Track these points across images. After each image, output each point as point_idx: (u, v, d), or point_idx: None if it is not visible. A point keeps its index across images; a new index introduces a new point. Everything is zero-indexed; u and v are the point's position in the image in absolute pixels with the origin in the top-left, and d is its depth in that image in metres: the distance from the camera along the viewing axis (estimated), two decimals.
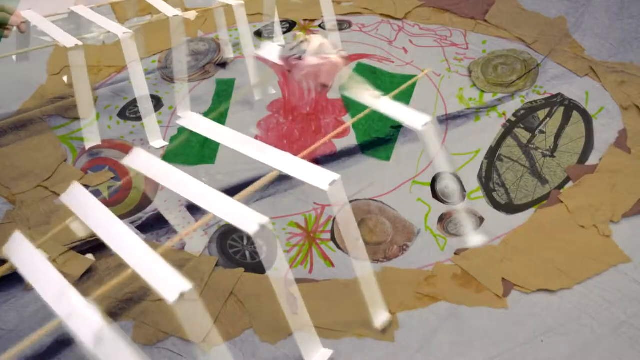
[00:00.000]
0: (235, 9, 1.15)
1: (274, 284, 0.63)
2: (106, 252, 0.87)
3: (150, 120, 1.09)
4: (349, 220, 0.66)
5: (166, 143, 1.11)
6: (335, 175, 0.62)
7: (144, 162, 0.67)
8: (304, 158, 0.66)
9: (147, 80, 1.09)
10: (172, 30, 1.09)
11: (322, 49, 0.71)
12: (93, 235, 0.57)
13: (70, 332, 0.46)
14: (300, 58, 0.70)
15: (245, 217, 0.57)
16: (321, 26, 1.45)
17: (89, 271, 0.84)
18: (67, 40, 0.98)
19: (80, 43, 0.98)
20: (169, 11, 1.09)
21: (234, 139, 0.69)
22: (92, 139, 1.09)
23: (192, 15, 1.12)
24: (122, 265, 0.51)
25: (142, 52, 1.09)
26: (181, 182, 0.64)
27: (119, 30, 1.02)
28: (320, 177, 0.63)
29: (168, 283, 0.49)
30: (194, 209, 0.95)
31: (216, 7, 1.20)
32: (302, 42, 0.71)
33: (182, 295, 0.47)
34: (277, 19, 1.34)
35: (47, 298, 0.49)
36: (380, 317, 0.75)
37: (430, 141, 0.69)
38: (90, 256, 0.86)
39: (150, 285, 0.49)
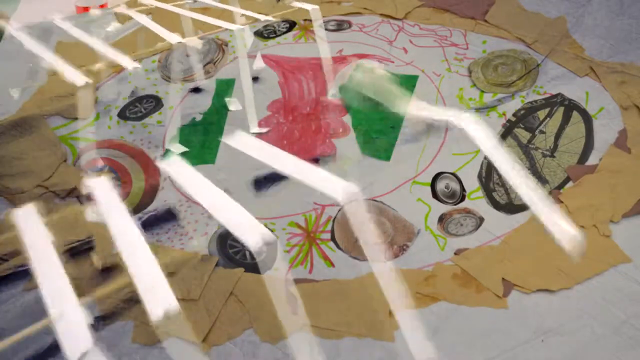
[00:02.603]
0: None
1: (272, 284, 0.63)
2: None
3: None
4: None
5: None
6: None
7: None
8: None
9: (147, 81, 1.09)
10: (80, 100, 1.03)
11: None
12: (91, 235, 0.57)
13: (57, 335, 0.46)
14: None
15: (252, 230, 0.55)
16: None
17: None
18: (77, 78, 0.94)
19: (90, 81, 0.95)
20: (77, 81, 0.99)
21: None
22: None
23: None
24: (120, 267, 0.51)
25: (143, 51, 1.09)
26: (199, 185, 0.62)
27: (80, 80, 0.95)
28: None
29: (158, 299, 0.48)
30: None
31: None
32: None
33: (166, 314, 0.47)
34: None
35: (45, 292, 0.49)
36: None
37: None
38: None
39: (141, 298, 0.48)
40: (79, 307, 0.47)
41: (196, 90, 1.19)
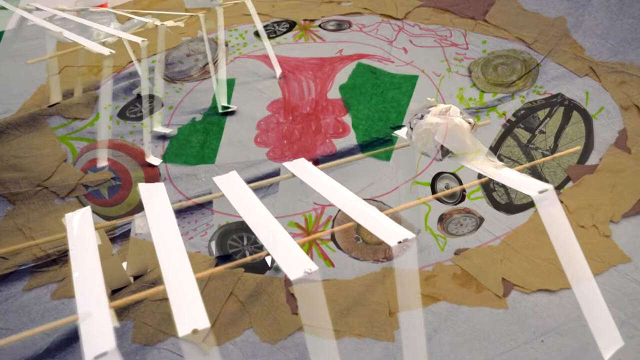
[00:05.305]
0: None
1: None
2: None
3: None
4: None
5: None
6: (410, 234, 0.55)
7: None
8: None
9: (147, 80, 1.09)
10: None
11: (448, 111, 0.67)
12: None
13: (80, 333, 0.46)
14: (422, 117, 0.68)
15: (294, 260, 0.53)
16: (321, 26, 1.45)
17: None
18: (101, 48, 0.96)
19: (113, 51, 0.96)
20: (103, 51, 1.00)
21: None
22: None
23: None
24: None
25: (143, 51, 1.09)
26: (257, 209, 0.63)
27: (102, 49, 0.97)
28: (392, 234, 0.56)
29: (188, 315, 0.49)
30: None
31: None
32: (431, 105, 0.69)
33: (194, 331, 0.48)
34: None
35: (78, 287, 0.49)
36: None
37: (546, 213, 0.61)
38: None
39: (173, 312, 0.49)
40: (108, 310, 0.47)
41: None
